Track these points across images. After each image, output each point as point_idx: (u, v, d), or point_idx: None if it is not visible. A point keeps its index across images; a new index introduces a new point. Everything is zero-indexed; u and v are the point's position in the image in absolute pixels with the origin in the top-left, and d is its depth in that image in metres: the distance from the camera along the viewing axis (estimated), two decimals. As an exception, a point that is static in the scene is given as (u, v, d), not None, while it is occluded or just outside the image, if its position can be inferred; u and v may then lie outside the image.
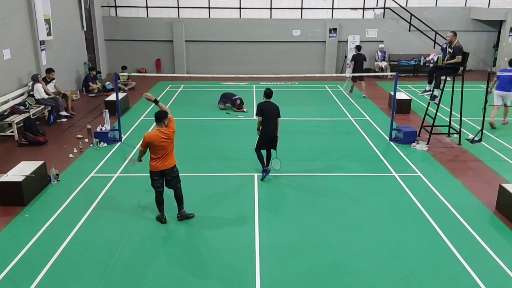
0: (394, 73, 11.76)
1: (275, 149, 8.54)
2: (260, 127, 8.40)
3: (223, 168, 9.13)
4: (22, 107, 11.72)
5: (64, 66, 15.17)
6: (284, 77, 17.47)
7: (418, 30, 20.06)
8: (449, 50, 10.34)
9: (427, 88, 11.04)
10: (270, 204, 7.58)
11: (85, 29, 17.28)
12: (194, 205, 7.41)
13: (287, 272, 5.72)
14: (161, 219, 6.93)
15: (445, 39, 11.98)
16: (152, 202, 7.54)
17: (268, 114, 8.28)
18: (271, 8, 20.12)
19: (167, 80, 18.42)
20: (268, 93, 8.47)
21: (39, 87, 12.21)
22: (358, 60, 15.46)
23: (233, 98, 13.67)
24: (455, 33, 10.28)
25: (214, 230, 6.76)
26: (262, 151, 8.54)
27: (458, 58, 10.01)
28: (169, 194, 6.99)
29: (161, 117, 6.62)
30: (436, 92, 10.63)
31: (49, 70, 13.04)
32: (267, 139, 8.38)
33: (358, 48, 15.90)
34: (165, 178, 6.79)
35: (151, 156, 6.66)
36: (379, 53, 19.68)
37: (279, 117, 8.42)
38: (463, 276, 5.66)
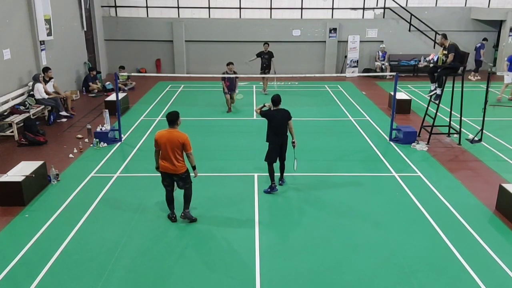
0: (393, 73, 11.78)
1: (283, 160, 8.03)
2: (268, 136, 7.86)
3: (223, 168, 9.12)
4: (22, 107, 11.73)
5: (64, 66, 15.18)
6: (284, 77, 17.48)
7: (418, 30, 20.06)
8: (444, 52, 10.39)
9: (432, 88, 11.03)
10: (270, 204, 7.57)
11: (85, 29, 17.28)
12: (194, 205, 7.41)
13: (287, 272, 5.72)
14: (171, 217, 6.94)
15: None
16: (151, 202, 7.59)
17: (276, 121, 7.71)
18: (271, 8, 20.12)
19: (167, 80, 18.42)
20: (275, 100, 7.74)
21: (39, 87, 12.21)
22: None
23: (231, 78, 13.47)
24: (444, 36, 10.40)
25: (214, 230, 6.75)
26: (274, 164, 7.91)
27: (451, 57, 10.06)
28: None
29: (172, 119, 6.55)
30: (438, 91, 10.63)
31: (46, 69, 12.99)
32: (275, 147, 7.81)
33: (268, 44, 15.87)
34: (175, 180, 6.76)
35: (160, 155, 6.67)
36: (380, 53, 19.69)
37: (289, 119, 7.83)
38: (463, 276, 5.66)
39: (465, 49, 10.45)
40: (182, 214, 6.92)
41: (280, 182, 8.24)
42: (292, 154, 8.11)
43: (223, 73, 13.46)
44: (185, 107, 14.15)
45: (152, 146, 10.44)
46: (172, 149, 6.50)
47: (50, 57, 14.02)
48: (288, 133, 7.95)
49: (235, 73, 13.52)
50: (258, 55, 15.62)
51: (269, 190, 7.94)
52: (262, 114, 7.90)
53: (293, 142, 7.97)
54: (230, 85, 13.42)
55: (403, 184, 8.38)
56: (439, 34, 19.08)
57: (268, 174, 7.97)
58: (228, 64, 13.42)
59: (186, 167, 6.75)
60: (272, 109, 7.86)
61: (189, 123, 12.42)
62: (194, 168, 6.81)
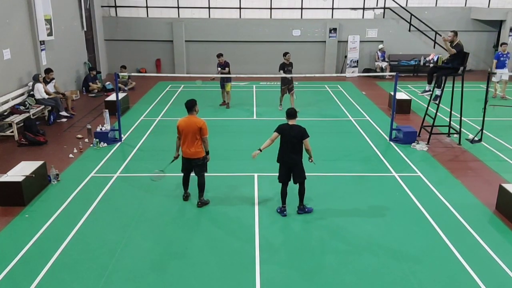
0: (393, 73, 11.77)
1: (296, 182, 7.08)
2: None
3: (223, 168, 9.12)
4: (22, 107, 11.73)
5: (64, 66, 15.17)
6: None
7: (418, 30, 20.07)
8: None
9: (427, 88, 11.08)
10: (270, 205, 7.56)
11: (85, 29, 17.28)
12: (193, 205, 7.42)
13: (287, 272, 5.72)
14: (183, 195, 7.55)
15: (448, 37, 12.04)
16: (152, 202, 7.61)
17: (286, 137, 6.89)
18: (271, 8, 20.13)
19: (167, 80, 18.43)
20: (288, 113, 6.97)
21: (39, 87, 12.22)
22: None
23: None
24: (455, 33, 10.31)
25: (214, 231, 6.76)
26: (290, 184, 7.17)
27: (451, 50, 10.04)
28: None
29: (190, 105, 7.12)
30: (438, 92, 10.64)
31: (48, 70, 13.03)
32: (283, 166, 7.05)
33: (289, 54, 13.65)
34: (192, 166, 7.28)
35: (181, 143, 7.21)
36: (379, 53, 19.69)
37: (303, 138, 6.85)
38: (463, 276, 5.66)
39: (465, 49, 10.43)
40: (199, 203, 7.39)
41: (298, 210, 7.21)
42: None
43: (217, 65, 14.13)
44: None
45: (153, 146, 10.50)
46: (191, 134, 7.02)
47: (50, 57, 14.02)
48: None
49: (226, 62, 13.93)
50: (281, 68, 13.35)
51: (278, 211, 7.27)
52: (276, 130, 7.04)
53: (310, 159, 7.09)
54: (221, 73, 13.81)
55: (403, 184, 8.37)
56: (439, 34, 19.33)
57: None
58: (218, 56, 13.92)
59: (203, 153, 7.23)
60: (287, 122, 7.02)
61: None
62: (207, 153, 7.31)
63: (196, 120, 7.08)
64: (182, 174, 7.52)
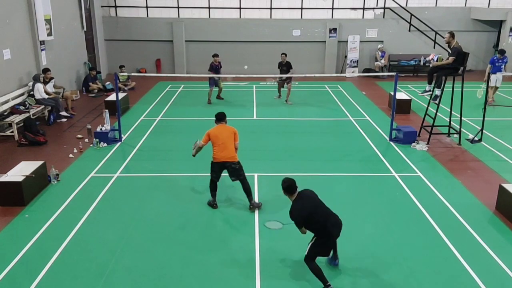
0: (392, 73, 11.74)
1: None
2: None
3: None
4: (22, 107, 11.72)
5: (64, 66, 15.17)
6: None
7: (418, 30, 20.07)
8: (448, 50, 10.40)
9: (427, 88, 11.08)
10: (270, 204, 7.56)
11: (85, 29, 17.28)
12: (193, 206, 7.42)
13: (287, 274, 5.72)
14: (212, 204, 7.41)
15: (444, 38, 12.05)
16: (152, 202, 7.60)
17: (319, 211, 5.56)
18: (271, 8, 20.13)
19: (167, 80, 18.42)
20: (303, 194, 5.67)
21: (39, 87, 12.21)
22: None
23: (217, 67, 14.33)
24: (452, 34, 10.28)
25: (213, 232, 6.76)
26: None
27: (450, 59, 10.04)
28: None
29: (220, 117, 7.50)
30: (438, 92, 10.64)
31: (45, 70, 12.97)
32: (330, 239, 5.54)
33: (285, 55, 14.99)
34: (228, 170, 7.33)
35: (213, 149, 7.31)
36: (379, 53, 19.71)
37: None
38: (463, 276, 5.66)
39: (465, 49, 10.43)
40: (251, 206, 7.38)
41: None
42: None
43: (211, 64, 14.37)
44: (185, 107, 14.17)
45: (153, 146, 10.46)
46: (227, 138, 7.31)
47: (50, 57, 14.02)
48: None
49: (219, 63, 14.47)
50: (278, 66, 14.98)
51: None
52: (299, 223, 5.59)
53: None
54: (216, 74, 14.16)
55: (403, 184, 8.37)
56: (439, 34, 19.34)
57: None
58: (214, 56, 14.38)
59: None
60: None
61: (189, 123, 12.44)
62: None
63: (230, 127, 7.48)
64: (211, 181, 7.44)
